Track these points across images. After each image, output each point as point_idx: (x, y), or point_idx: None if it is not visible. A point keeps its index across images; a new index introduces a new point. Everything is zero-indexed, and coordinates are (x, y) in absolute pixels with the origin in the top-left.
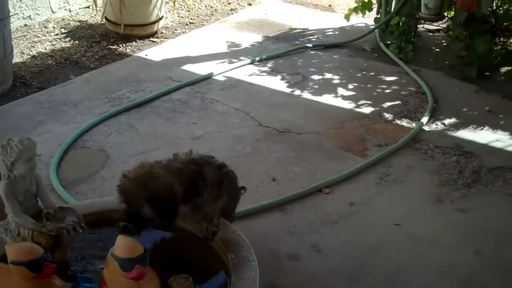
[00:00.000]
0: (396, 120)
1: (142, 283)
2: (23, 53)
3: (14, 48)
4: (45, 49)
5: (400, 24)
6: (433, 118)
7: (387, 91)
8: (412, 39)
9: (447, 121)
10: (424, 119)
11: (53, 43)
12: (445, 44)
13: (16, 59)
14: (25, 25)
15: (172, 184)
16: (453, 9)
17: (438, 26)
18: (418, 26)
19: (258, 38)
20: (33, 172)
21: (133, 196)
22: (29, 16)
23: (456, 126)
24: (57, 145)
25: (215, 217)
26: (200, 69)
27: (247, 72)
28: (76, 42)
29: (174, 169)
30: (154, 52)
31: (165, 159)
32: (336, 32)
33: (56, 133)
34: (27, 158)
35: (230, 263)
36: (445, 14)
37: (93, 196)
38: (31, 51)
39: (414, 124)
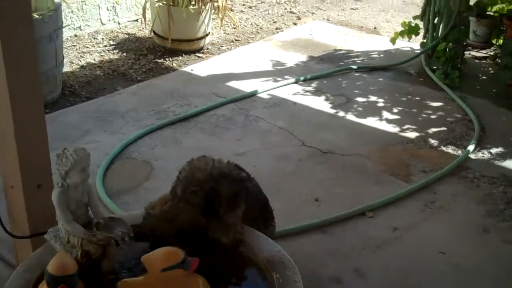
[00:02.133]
0: (442, 146)
1: None
2: (72, 62)
3: (64, 57)
4: (94, 59)
5: (447, 50)
6: (479, 146)
7: (433, 116)
8: (459, 66)
9: (494, 150)
10: (471, 147)
11: (102, 54)
12: (492, 72)
13: (66, 68)
14: (75, 35)
15: (196, 216)
16: (502, 38)
17: (485, 53)
18: (465, 52)
19: (303, 57)
20: (86, 182)
21: (161, 232)
22: (80, 27)
23: (503, 156)
24: (104, 154)
25: (238, 225)
26: (244, 86)
27: (291, 91)
28: (124, 54)
29: (192, 194)
30: (200, 68)
31: (183, 173)
32: (381, 55)
33: (103, 143)
34: (81, 168)
35: (275, 282)
36: (494, 42)
37: (138, 207)
38: (80, 61)
39: (460, 152)
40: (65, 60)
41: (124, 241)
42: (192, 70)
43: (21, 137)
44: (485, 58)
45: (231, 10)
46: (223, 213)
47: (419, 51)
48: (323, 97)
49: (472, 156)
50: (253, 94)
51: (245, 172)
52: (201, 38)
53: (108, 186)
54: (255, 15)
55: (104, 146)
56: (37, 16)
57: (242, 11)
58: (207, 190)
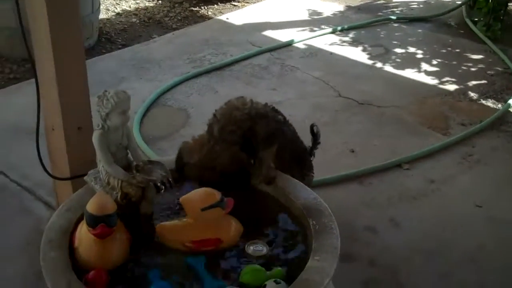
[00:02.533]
0: (481, 99)
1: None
2: (108, 9)
3: (100, 4)
4: (130, 7)
5: (490, 0)
6: None
7: (473, 69)
8: (502, 17)
9: None
10: (511, 101)
11: (137, 1)
12: None
13: (102, 15)
14: None
15: (235, 153)
16: None
17: None
18: (509, 4)
19: (340, 7)
20: (126, 124)
21: (207, 179)
22: None
23: None
24: (140, 101)
25: (270, 161)
26: (280, 35)
27: (328, 41)
28: (160, 2)
29: (229, 133)
30: (235, 16)
31: (219, 111)
32: (421, 6)
33: (139, 90)
34: (122, 110)
35: (311, 229)
36: None
37: (174, 153)
38: (116, 8)
39: (500, 105)
40: (101, 6)
41: (163, 184)
42: (227, 18)
43: (62, 79)
44: None
45: None
46: (259, 152)
47: (460, 2)
48: (360, 48)
49: None
50: (289, 44)
51: (282, 115)
52: None
53: (145, 132)
54: None
55: (140, 93)
56: None
57: None
58: (245, 129)
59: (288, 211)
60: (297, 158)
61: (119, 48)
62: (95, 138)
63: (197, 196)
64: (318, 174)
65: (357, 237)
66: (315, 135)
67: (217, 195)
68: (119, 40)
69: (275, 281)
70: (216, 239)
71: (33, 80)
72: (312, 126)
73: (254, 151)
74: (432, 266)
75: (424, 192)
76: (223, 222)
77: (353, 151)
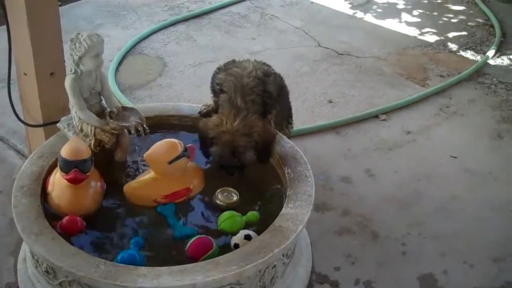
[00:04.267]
0: (461, 51)
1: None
2: None
3: None
4: None
5: None
6: (499, 52)
7: (454, 20)
8: None
9: None
10: (490, 53)
11: None
12: None
13: None
14: None
15: (267, 126)
16: None
17: None
18: None
19: None
20: (99, 69)
21: (242, 145)
22: None
23: None
24: (116, 49)
25: (272, 120)
26: None
27: None
28: None
29: (252, 104)
30: None
31: (226, 74)
32: None
33: (115, 37)
34: (95, 54)
35: (286, 177)
36: None
37: (150, 102)
38: None
39: (479, 57)
40: None
41: (138, 131)
42: None
43: (34, 23)
44: None
45: None
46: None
47: None
48: None
49: (491, 62)
50: None
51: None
52: None
53: (121, 81)
54: None
55: (116, 40)
56: None
57: None
58: (260, 94)
59: None
60: (289, 108)
61: None
62: (67, 83)
63: (161, 150)
64: (297, 124)
65: (333, 187)
66: None
67: (179, 145)
68: None
69: (245, 237)
70: (186, 188)
71: (4, 26)
72: None
73: (271, 112)
74: (405, 216)
75: (400, 143)
76: (188, 170)
77: (331, 102)
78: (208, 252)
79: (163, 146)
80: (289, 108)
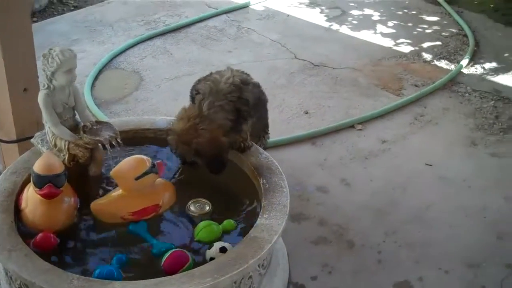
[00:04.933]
0: (435, 61)
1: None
2: None
3: None
4: None
5: None
6: (473, 61)
7: (428, 31)
8: None
9: (487, 65)
10: (464, 62)
11: None
12: None
13: None
14: None
15: (216, 138)
16: None
17: None
18: None
19: None
20: (73, 84)
21: (182, 151)
22: None
23: (496, 71)
24: (92, 64)
25: (248, 132)
26: None
27: (285, 3)
28: None
29: (218, 110)
30: None
31: (205, 81)
32: None
33: (91, 52)
34: (68, 69)
35: (262, 187)
36: None
37: (126, 116)
38: None
39: (453, 66)
40: None
41: (112, 145)
42: None
43: (6, 39)
44: None
45: None
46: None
47: None
48: (317, 10)
49: (465, 71)
50: (245, 6)
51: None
52: None
53: (97, 95)
54: None
55: (92, 55)
56: None
57: None
58: (234, 101)
59: (239, 170)
60: (266, 119)
61: (71, 10)
62: (40, 98)
63: (128, 166)
64: (273, 135)
65: (309, 197)
66: None
67: (147, 161)
68: (72, 2)
69: (220, 250)
70: (154, 205)
71: None
72: None
73: (246, 120)
74: (380, 225)
75: (375, 152)
76: (158, 186)
77: (307, 113)
78: (184, 266)
79: (130, 163)
80: (267, 119)
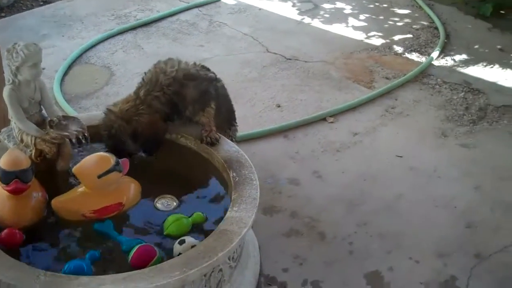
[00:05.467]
0: (406, 53)
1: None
2: None
3: None
4: None
5: None
6: (443, 53)
7: (399, 24)
8: None
9: (457, 57)
10: (434, 54)
11: None
12: None
13: None
14: None
15: (155, 121)
16: None
17: None
18: None
19: None
20: (38, 78)
21: (119, 129)
22: None
23: (466, 63)
24: (62, 59)
25: (211, 124)
26: None
27: None
28: None
29: (154, 99)
30: None
31: (154, 68)
32: None
33: (61, 47)
34: (33, 63)
35: (231, 180)
36: None
37: (96, 111)
38: None
39: (424, 59)
40: None
41: (79, 140)
42: None
43: None
44: None
45: None
46: (193, 115)
47: None
48: (289, 3)
49: (436, 63)
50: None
51: (213, 72)
52: None
53: (66, 91)
54: None
55: (62, 50)
56: None
57: None
58: (170, 94)
59: (209, 164)
60: (230, 112)
61: (41, 5)
62: (5, 93)
63: (90, 163)
64: (245, 129)
65: (281, 189)
66: None
67: (111, 159)
68: None
69: (178, 242)
70: (117, 203)
71: None
72: None
73: (180, 115)
74: (352, 216)
75: (347, 144)
76: (122, 185)
77: (279, 106)
78: (152, 260)
79: (93, 160)
80: (232, 112)
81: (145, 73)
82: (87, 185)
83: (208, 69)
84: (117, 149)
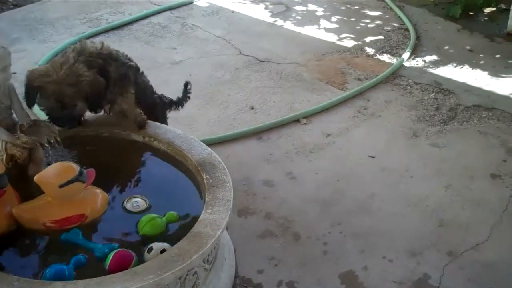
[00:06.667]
0: (378, 55)
1: None
2: None
3: None
4: None
5: None
6: (414, 54)
7: (370, 25)
8: None
9: (428, 58)
10: (405, 55)
11: None
12: None
13: None
14: None
15: (97, 78)
16: None
17: None
18: None
19: None
20: (7, 82)
21: (68, 94)
22: None
23: (436, 64)
24: (33, 63)
25: (134, 108)
26: None
27: (229, 0)
28: None
29: (86, 60)
30: None
31: (71, 47)
32: None
33: (32, 51)
34: (2, 67)
35: (205, 183)
36: None
37: None
38: None
39: (395, 60)
40: None
41: (50, 144)
42: None
43: None
44: None
45: None
46: (116, 96)
47: None
48: (262, 6)
49: (407, 64)
50: (190, 2)
51: (135, 63)
52: None
53: None
54: None
55: (33, 54)
56: None
57: None
58: (97, 66)
59: (181, 166)
60: (149, 108)
61: (11, 8)
62: None
63: (52, 173)
64: (219, 131)
65: (255, 191)
66: (186, 90)
67: (75, 168)
68: (11, 0)
69: (147, 251)
70: (80, 215)
71: None
72: (186, 83)
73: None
74: (326, 216)
75: (320, 145)
76: (86, 195)
77: (252, 108)
78: (131, 264)
79: (55, 169)
80: (154, 109)
81: (68, 47)
82: (49, 194)
83: (132, 60)
84: (67, 118)
